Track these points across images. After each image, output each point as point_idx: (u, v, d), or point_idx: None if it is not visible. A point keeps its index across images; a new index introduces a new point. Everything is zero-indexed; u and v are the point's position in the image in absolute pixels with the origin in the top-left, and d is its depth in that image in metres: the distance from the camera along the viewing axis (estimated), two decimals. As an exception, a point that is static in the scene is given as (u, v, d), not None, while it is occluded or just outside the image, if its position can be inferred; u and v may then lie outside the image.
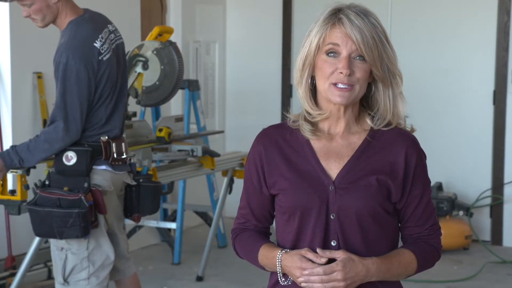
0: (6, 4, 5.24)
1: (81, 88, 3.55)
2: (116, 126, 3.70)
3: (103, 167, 3.66)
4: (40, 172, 5.29)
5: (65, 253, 3.66)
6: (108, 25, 3.74)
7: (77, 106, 3.56)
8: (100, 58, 3.59)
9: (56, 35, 5.35)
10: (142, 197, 3.86)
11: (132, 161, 3.88)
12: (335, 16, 2.09)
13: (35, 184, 3.70)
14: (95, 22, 3.69)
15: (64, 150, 3.60)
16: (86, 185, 3.58)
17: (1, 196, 4.04)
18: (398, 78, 2.13)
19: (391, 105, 2.13)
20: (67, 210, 3.52)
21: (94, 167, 3.64)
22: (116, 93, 3.72)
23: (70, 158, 3.60)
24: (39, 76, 5.45)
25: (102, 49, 3.61)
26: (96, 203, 3.59)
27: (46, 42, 5.47)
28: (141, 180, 3.88)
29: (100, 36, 3.64)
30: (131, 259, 3.96)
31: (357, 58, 2.07)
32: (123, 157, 3.71)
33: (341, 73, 2.06)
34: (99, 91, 3.62)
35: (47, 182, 3.65)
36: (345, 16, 2.07)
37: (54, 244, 3.70)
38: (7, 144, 5.31)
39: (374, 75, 2.10)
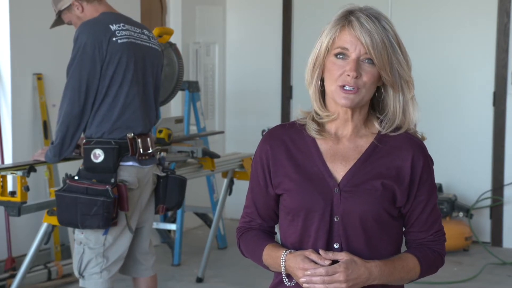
0: (6, 6, 5.24)
1: (84, 61, 3.69)
2: (139, 124, 3.81)
3: (130, 163, 3.80)
4: (40, 174, 5.29)
5: (83, 247, 3.79)
6: (144, 30, 3.93)
7: (77, 78, 3.69)
8: (113, 39, 3.72)
9: (56, 37, 5.36)
10: (170, 188, 4.03)
11: (162, 155, 4.07)
12: (346, 18, 2.08)
13: (66, 174, 3.82)
14: (124, 18, 3.87)
15: (92, 149, 3.74)
16: (113, 180, 3.71)
17: (1, 198, 4.04)
18: (410, 84, 2.12)
19: (401, 110, 2.13)
20: (93, 198, 3.65)
21: (121, 163, 3.78)
22: (137, 89, 3.80)
23: (98, 155, 3.74)
24: (39, 77, 5.44)
25: (118, 33, 3.75)
26: (120, 199, 3.72)
27: (46, 44, 5.47)
28: (169, 173, 4.05)
29: (121, 23, 3.80)
30: (154, 256, 4.09)
31: (366, 61, 2.07)
32: (149, 151, 3.84)
33: (348, 75, 2.05)
34: (109, 73, 3.73)
35: (76, 178, 3.76)
36: (355, 18, 2.06)
37: (75, 237, 3.84)
38: (7, 145, 5.31)
39: (384, 80, 2.10)
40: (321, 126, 2.16)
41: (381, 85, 2.13)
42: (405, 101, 2.13)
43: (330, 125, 2.16)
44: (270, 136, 2.21)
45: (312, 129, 2.15)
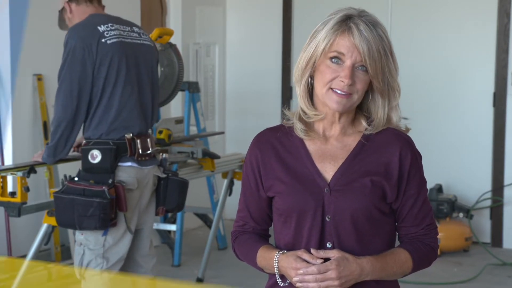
0: (6, 6, 5.24)
1: (74, 65, 3.70)
2: (136, 124, 3.82)
3: (128, 163, 3.81)
4: (40, 175, 5.29)
5: (83, 248, 3.81)
6: (134, 27, 3.94)
7: (68, 82, 3.71)
8: (102, 40, 3.73)
9: (56, 37, 5.36)
10: (170, 190, 4.03)
11: (164, 156, 4.10)
12: (345, 24, 2.08)
13: (65, 176, 3.84)
14: (113, 18, 3.89)
15: (90, 149, 3.75)
16: (110, 181, 3.72)
17: (1, 198, 4.05)
18: (396, 92, 2.14)
19: (385, 116, 2.15)
20: (89, 199, 3.66)
21: (120, 164, 3.79)
22: (131, 88, 3.81)
23: (95, 156, 3.76)
24: (39, 78, 5.45)
25: (107, 33, 3.76)
26: (118, 199, 3.72)
27: (46, 44, 5.47)
28: (170, 174, 4.04)
29: (109, 24, 3.81)
30: (154, 258, 4.10)
31: (360, 68, 2.08)
32: (148, 152, 3.83)
33: (342, 81, 2.07)
34: (102, 74, 3.74)
35: (76, 179, 3.78)
36: (354, 25, 2.07)
37: (76, 239, 3.86)
38: (7, 146, 5.31)
39: (374, 87, 2.11)
40: (308, 126, 2.17)
41: (369, 89, 2.14)
42: (389, 108, 2.15)
43: (318, 125, 2.17)
44: (259, 140, 2.22)
45: (299, 129, 2.16)
